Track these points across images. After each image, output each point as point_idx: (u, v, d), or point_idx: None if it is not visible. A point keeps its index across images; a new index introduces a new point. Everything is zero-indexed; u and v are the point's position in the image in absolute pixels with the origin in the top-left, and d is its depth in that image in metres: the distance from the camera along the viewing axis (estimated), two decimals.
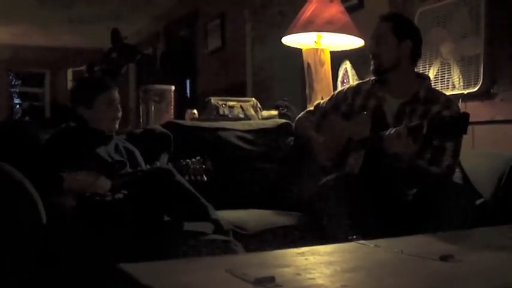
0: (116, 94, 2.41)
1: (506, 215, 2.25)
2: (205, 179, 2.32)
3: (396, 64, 2.29)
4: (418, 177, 2.13)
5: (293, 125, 2.78)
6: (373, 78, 2.40)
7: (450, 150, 2.15)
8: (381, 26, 2.34)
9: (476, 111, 2.77)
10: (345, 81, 3.46)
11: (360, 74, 3.33)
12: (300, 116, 2.67)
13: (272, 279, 1.05)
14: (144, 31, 7.86)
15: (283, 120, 3.15)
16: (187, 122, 3.09)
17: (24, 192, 1.89)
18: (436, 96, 2.30)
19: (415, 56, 2.35)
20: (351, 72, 3.45)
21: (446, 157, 2.15)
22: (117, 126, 2.41)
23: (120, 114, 2.40)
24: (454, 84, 2.90)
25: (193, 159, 2.33)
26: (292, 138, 2.84)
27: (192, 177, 2.28)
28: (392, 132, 2.01)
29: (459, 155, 2.20)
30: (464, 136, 2.18)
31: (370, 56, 2.34)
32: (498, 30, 2.78)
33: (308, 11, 3.04)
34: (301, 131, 2.61)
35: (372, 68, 2.34)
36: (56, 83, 9.81)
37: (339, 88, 2.95)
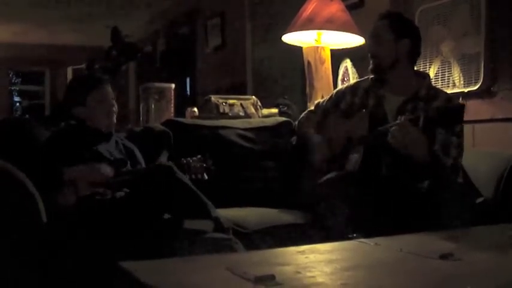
0: (108, 89, 2.37)
1: (506, 214, 2.25)
2: (206, 177, 2.31)
3: (394, 63, 2.28)
4: (433, 167, 2.09)
5: (295, 124, 2.78)
6: (371, 76, 2.40)
7: (455, 142, 2.15)
8: (378, 25, 2.33)
9: (476, 109, 2.77)
10: (345, 79, 3.46)
11: (360, 72, 3.33)
12: (301, 116, 2.68)
13: (272, 277, 1.05)
14: (144, 29, 7.85)
15: (284, 118, 3.14)
16: (187, 120, 3.08)
17: (24, 191, 1.89)
18: (436, 93, 2.30)
19: (414, 55, 2.34)
20: (351, 70, 3.45)
21: (452, 149, 2.14)
22: (114, 120, 2.37)
23: (115, 108, 2.37)
24: (454, 83, 2.90)
25: (194, 158, 2.32)
26: (294, 137, 2.84)
27: (193, 176, 2.27)
28: (394, 125, 1.99)
29: (463, 148, 2.19)
30: (464, 134, 2.19)
31: (369, 55, 2.34)
32: (498, 29, 2.78)
33: (308, 9, 3.04)
34: (302, 131, 2.61)
35: (370, 67, 2.34)
36: (55, 81, 9.79)
37: (339, 86, 2.95)
